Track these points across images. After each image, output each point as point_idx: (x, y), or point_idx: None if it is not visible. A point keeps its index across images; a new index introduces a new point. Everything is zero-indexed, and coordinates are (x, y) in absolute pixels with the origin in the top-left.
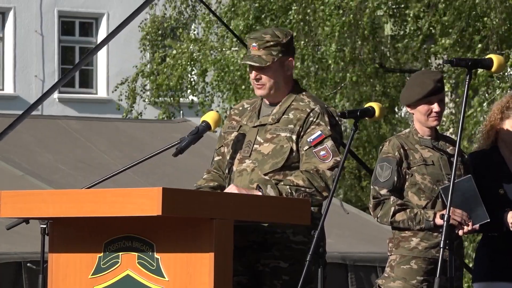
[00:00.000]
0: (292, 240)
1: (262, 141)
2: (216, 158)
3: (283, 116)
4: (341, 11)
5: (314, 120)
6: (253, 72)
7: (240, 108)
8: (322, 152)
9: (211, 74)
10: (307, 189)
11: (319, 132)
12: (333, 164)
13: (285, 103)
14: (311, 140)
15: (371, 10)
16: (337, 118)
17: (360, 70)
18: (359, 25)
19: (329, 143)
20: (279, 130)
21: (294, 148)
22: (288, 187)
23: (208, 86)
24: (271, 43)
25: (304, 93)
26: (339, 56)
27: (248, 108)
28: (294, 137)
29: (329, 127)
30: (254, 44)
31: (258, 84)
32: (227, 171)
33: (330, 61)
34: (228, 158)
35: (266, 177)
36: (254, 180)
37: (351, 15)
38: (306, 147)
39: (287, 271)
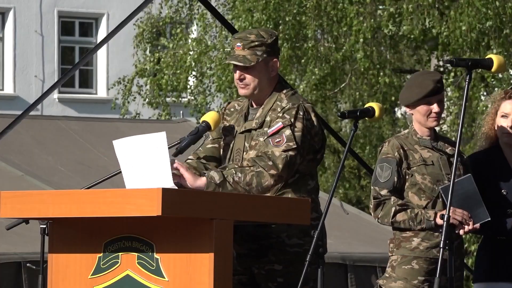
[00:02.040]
0: (287, 244)
1: (248, 148)
2: (209, 146)
3: (265, 120)
4: (361, 18)
5: (280, 115)
6: (237, 72)
7: (232, 109)
8: (277, 139)
9: (210, 74)
10: (252, 167)
11: (279, 123)
12: (284, 148)
13: (267, 105)
14: (270, 130)
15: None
16: (310, 114)
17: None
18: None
19: (287, 132)
20: (259, 135)
21: None
22: (232, 169)
23: (211, 86)
24: (256, 43)
25: (285, 91)
26: (365, 61)
27: (238, 110)
28: None
29: (292, 119)
30: (238, 44)
31: (241, 84)
32: None
33: (361, 67)
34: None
35: None
36: None
37: (372, 20)
38: (265, 137)
39: (281, 273)
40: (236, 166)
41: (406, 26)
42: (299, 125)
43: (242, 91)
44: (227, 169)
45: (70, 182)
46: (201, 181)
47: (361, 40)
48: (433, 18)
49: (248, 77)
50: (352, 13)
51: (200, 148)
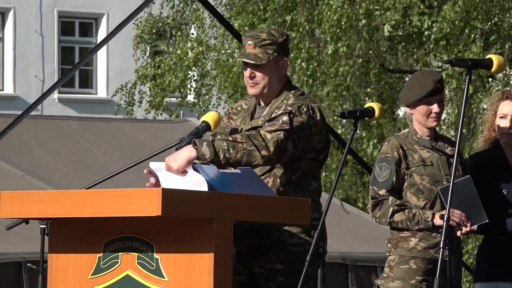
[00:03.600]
0: (289, 243)
1: None
2: None
3: (271, 117)
4: (346, 7)
5: (283, 108)
6: (248, 69)
7: (239, 108)
8: (272, 123)
9: (212, 76)
10: (245, 144)
11: (280, 112)
12: (275, 128)
13: (275, 104)
14: (270, 118)
15: (367, 6)
16: (317, 114)
17: (359, 70)
18: (356, 19)
19: (284, 118)
20: None
21: None
22: (225, 143)
23: (213, 88)
24: (267, 41)
25: (293, 91)
26: (340, 51)
27: (245, 109)
28: None
29: (293, 110)
30: (250, 42)
31: (251, 83)
32: None
33: (329, 58)
34: None
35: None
36: None
37: (349, 10)
38: (263, 123)
39: (282, 273)
40: (229, 139)
41: (390, 22)
42: (299, 117)
43: (251, 90)
44: (218, 138)
45: (71, 182)
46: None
47: (335, 26)
48: (426, 14)
49: (258, 75)
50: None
51: None
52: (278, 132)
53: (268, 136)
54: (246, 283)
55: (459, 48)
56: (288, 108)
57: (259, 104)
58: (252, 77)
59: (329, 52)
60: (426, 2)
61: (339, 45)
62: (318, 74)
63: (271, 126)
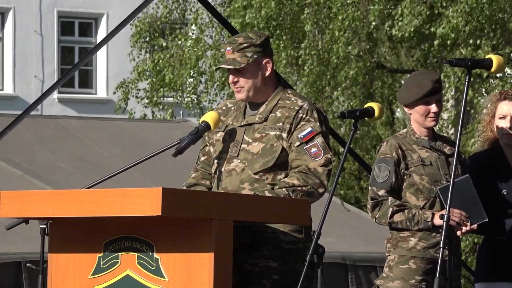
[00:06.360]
0: (282, 240)
1: (250, 140)
2: (202, 158)
3: (270, 115)
4: (351, 8)
5: (304, 116)
6: (231, 76)
7: (224, 108)
8: (313, 150)
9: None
10: (303, 188)
11: (309, 129)
12: (324, 162)
13: (271, 102)
14: (302, 136)
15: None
16: (324, 114)
17: (358, 68)
18: (364, 22)
19: (319, 140)
20: (267, 129)
21: (285, 146)
22: (284, 189)
23: (213, 86)
24: (245, 45)
25: (289, 91)
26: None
27: (232, 108)
28: (284, 135)
29: (318, 124)
30: (228, 48)
31: (236, 88)
32: (213, 171)
33: (334, 57)
34: (214, 157)
35: (257, 177)
36: (245, 180)
37: (358, 11)
38: (297, 143)
39: (277, 270)
40: (287, 185)
41: (401, 24)
42: (324, 129)
43: (238, 96)
44: (277, 187)
45: (71, 179)
46: None
47: (343, 29)
48: (427, 16)
49: (241, 80)
50: (339, 3)
51: (198, 162)
52: (328, 166)
53: (320, 170)
54: (234, 284)
55: (468, 51)
56: (311, 120)
57: (250, 103)
58: (235, 82)
59: (340, 54)
60: (435, 10)
61: (349, 48)
62: (328, 77)
63: (316, 159)
